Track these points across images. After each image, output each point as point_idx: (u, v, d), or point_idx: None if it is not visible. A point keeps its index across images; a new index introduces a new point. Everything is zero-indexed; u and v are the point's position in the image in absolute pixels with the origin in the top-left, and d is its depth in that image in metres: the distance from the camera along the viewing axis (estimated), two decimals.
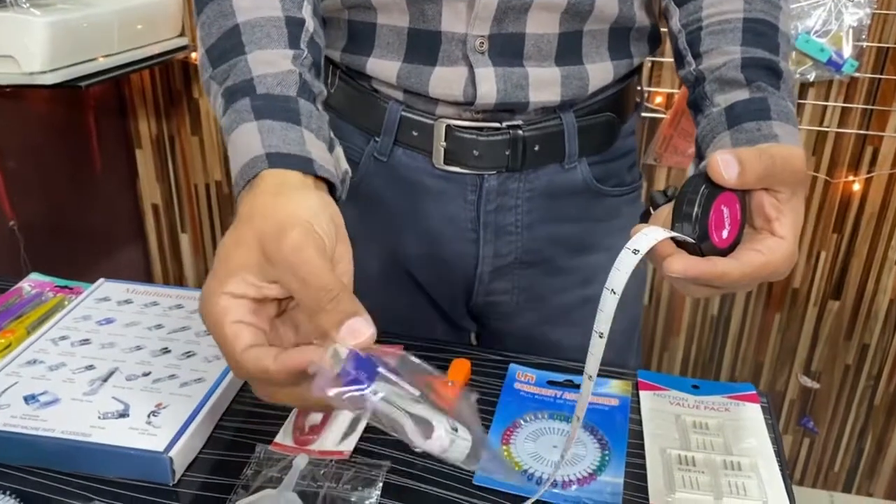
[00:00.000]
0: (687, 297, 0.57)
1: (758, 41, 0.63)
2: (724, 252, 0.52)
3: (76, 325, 0.74)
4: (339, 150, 0.58)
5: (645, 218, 0.59)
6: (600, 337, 0.50)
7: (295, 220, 0.47)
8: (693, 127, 1.54)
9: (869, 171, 1.55)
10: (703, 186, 0.50)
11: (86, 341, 0.72)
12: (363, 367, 0.44)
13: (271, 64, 0.56)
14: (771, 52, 0.63)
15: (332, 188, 0.54)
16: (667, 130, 1.47)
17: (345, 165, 0.58)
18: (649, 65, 1.52)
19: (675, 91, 1.50)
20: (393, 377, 0.44)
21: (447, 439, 0.44)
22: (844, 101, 1.49)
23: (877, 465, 1.82)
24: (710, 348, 1.79)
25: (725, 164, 0.49)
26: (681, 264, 0.49)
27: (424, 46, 0.70)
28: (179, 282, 1.99)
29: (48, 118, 1.57)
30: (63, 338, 0.72)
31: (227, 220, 1.91)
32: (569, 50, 0.71)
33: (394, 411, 0.43)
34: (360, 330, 0.44)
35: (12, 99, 1.41)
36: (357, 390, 0.43)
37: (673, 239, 0.51)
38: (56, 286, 0.84)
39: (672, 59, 1.50)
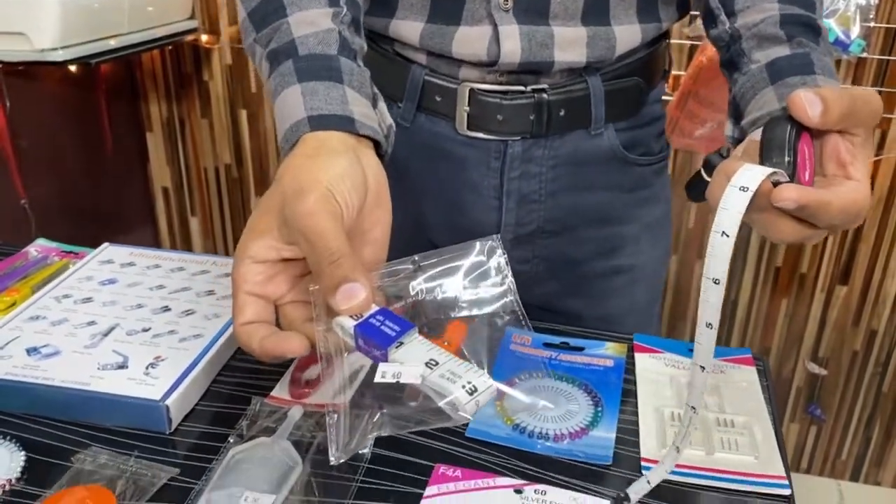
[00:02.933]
0: (775, 242, 0.56)
1: None
2: None
3: (79, 285, 0.75)
4: (382, 104, 0.60)
5: (700, 186, 0.57)
6: (715, 283, 0.47)
7: (315, 185, 0.49)
8: (700, 109, 1.53)
9: (877, 155, 1.54)
10: (789, 126, 0.50)
11: (88, 300, 0.73)
12: (371, 341, 0.47)
13: (312, 24, 0.58)
14: (807, 9, 0.63)
15: (377, 144, 0.56)
16: (673, 112, 1.47)
17: (389, 120, 0.59)
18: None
19: (682, 73, 1.49)
20: (398, 363, 0.47)
21: (473, 405, 0.45)
22: (853, 83, 1.49)
23: (885, 454, 1.81)
24: (717, 333, 1.78)
25: (810, 102, 0.48)
26: (794, 192, 0.47)
27: (448, 5, 0.70)
28: None
29: (61, 99, 1.58)
30: (66, 296, 0.73)
31: (236, 204, 1.93)
32: (596, 9, 0.70)
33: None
34: (353, 293, 0.46)
35: (26, 79, 1.43)
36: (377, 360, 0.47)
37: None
38: (61, 251, 0.86)
39: (678, 41, 1.48)
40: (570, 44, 0.70)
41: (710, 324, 0.48)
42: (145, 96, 1.84)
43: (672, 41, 1.50)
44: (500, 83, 0.72)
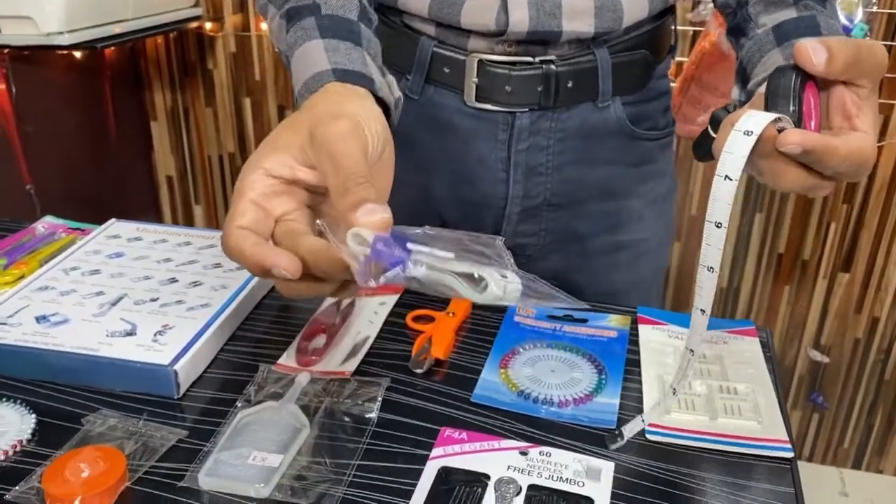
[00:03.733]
0: (781, 190, 0.55)
1: None
2: None
3: (86, 258, 0.76)
4: (391, 77, 0.61)
5: (707, 143, 0.57)
6: (717, 227, 0.47)
7: (349, 114, 0.49)
8: (702, 94, 1.53)
9: (879, 142, 1.55)
10: (794, 75, 0.50)
11: (96, 272, 0.74)
12: (392, 244, 0.44)
13: None
14: None
15: (386, 113, 0.57)
16: (676, 99, 1.47)
17: (398, 93, 0.61)
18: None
19: (684, 59, 1.50)
20: (424, 248, 0.45)
21: (501, 286, 0.45)
22: None
23: (887, 442, 1.81)
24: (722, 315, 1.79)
25: (814, 50, 0.49)
26: (798, 136, 0.48)
27: None
28: None
29: (66, 86, 1.59)
30: (74, 268, 0.74)
31: None
32: None
33: (440, 276, 0.44)
34: (376, 210, 0.45)
35: (31, 65, 1.43)
36: (399, 266, 0.44)
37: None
38: (69, 227, 0.86)
39: (681, 27, 1.48)
40: (577, 13, 0.71)
41: (711, 267, 0.49)
42: (149, 85, 1.84)
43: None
44: (509, 54, 0.73)
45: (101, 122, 1.70)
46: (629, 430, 0.56)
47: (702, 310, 0.50)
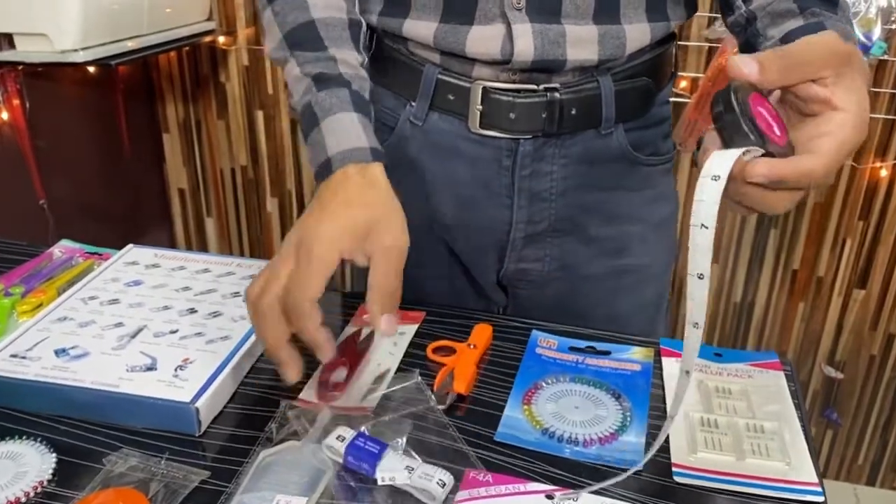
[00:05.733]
0: (768, 213, 0.55)
1: None
2: (786, 152, 0.50)
3: (105, 287, 0.76)
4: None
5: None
6: (699, 278, 0.47)
7: (398, 232, 0.61)
8: None
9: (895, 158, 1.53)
10: (732, 96, 0.49)
11: (114, 301, 0.73)
12: (362, 455, 0.55)
13: (350, 66, 0.67)
14: None
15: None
16: (691, 115, 1.46)
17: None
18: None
19: (699, 75, 1.49)
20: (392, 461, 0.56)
21: (443, 495, 0.54)
22: (873, 86, 1.48)
23: None
24: (733, 337, 1.78)
25: (743, 62, 0.49)
26: (765, 167, 0.47)
27: (461, 5, 0.71)
28: None
29: (79, 100, 1.59)
30: (92, 297, 0.74)
31: (252, 205, 1.93)
32: (606, 8, 0.71)
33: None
34: (393, 321, 0.59)
35: (45, 80, 1.43)
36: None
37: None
38: (86, 252, 0.86)
39: (696, 43, 1.48)
40: (581, 42, 0.71)
41: (696, 323, 0.48)
42: (162, 98, 1.84)
43: (690, 43, 1.51)
44: (513, 82, 0.73)
45: (114, 135, 1.70)
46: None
47: (695, 324, 0.49)
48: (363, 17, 0.77)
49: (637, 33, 0.73)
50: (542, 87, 0.73)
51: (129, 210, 1.82)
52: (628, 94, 0.76)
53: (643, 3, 0.73)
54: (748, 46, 0.67)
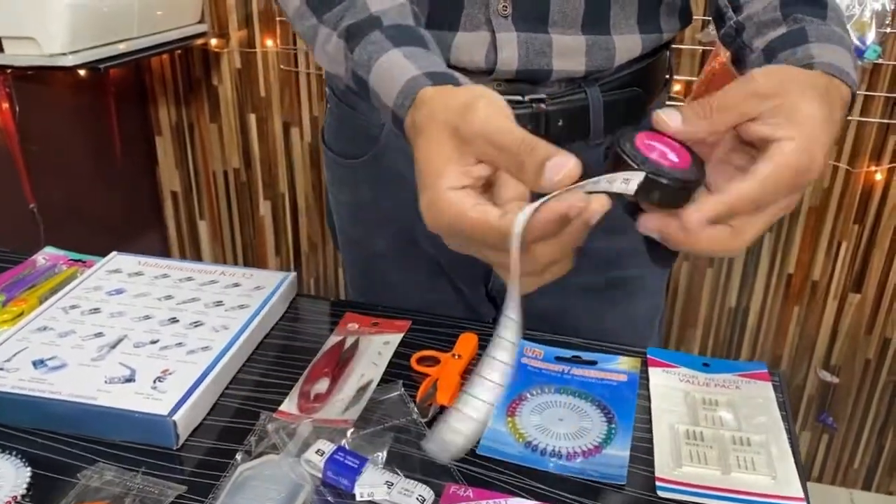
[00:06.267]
0: (732, 256, 0.52)
1: None
2: (696, 179, 0.46)
3: (87, 295, 0.75)
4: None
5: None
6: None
7: (476, 94, 0.48)
8: None
9: (892, 161, 1.52)
10: (617, 139, 0.47)
11: (96, 310, 0.72)
12: (342, 469, 0.54)
13: (383, 0, 0.58)
14: None
15: None
16: None
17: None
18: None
19: (693, 79, 1.48)
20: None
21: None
22: (867, 89, 1.47)
23: None
24: (728, 341, 1.77)
25: (666, 114, 0.47)
26: (651, 221, 0.46)
27: (446, 11, 0.69)
28: None
29: (70, 104, 1.58)
30: (73, 306, 0.73)
31: (245, 208, 1.92)
32: (595, 17, 0.69)
33: None
34: (561, 164, 0.44)
35: (35, 83, 1.42)
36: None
37: (637, 206, 0.47)
38: (70, 259, 0.85)
39: (690, 46, 1.47)
40: (568, 52, 0.70)
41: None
42: (154, 100, 1.83)
43: (684, 47, 1.50)
44: (498, 93, 0.71)
45: (106, 139, 1.69)
46: None
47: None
48: None
49: (627, 44, 0.71)
50: (527, 98, 0.71)
51: (122, 214, 1.81)
52: (618, 104, 0.74)
53: (634, 14, 0.71)
54: (737, 60, 0.65)
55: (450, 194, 0.46)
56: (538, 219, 0.44)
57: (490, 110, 0.47)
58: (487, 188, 0.48)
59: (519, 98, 0.71)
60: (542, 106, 0.72)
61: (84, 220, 1.61)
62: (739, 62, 0.65)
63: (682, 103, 1.48)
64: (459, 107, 0.47)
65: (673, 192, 0.45)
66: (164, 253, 1.98)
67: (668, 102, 0.83)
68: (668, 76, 0.81)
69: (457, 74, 0.53)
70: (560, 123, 0.73)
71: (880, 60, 1.41)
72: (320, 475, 0.55)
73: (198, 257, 2.00)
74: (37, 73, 1.34)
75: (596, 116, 0.73)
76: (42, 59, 1.23)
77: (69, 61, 1.23)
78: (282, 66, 1.73)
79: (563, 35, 0.69)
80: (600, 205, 0.44)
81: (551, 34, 0.69)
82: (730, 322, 1.75)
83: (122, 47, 1.36)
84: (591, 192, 0.44)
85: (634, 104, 0.76)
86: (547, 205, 0.44)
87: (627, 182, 0.45)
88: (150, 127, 1.85)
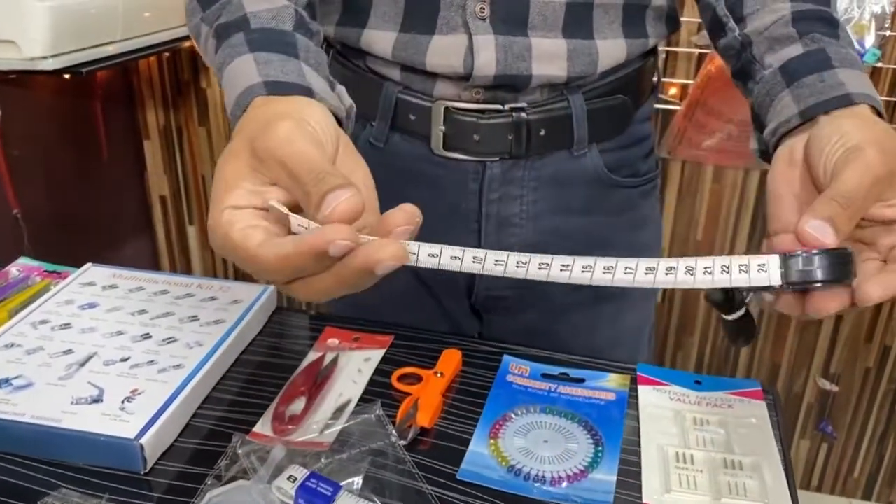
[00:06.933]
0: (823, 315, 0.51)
1: None
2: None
3: (58, 310, 0.72)
4: (341, 88, 0.55)
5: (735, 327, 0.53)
6: None
7: (286, 114, 0.44)
8: (708, 119, 1.49)
9: None
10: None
11: (66, 325, 0.70)
12: (314, 497, 0.52)
13: (265, 0, 0.54)
14: (822, 3, 0.59)
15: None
16: (681, 122, 1.43)
17: (349, 101, 0.54)
18: (664, 55, 1.48)
19: (689, 82, 1.46)
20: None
21: None
22: None
23: None
24: (726, 349, 1.75)
25: (821, 232, 0.43)
26: (832, 299, 0.44)
27: (422, 12, 0.67)
28: (187, 274, 1.99)
29: (55, 107, 1.56)
30: (43, 322, 0.70)
31: None
32: (577, 21, 0.67)
33: None
34: (335, 197, 0.39)
35: (18, 86, 1.40)
36: None
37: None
38: (44, 270, 0.82)
39: (686, 49, 1.44)
40: (548, 57, 0.67)
41: None
42: (142, 104, 1.81)
43: (680, 50, 1.47)
44: (477, 101, 0.69)
45: (92, 142, 1.67)
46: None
47: None
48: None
49: (611, 49, 0.69)
50: (507, 106, 0.69)
51: (109, 219, 1.78)
52: (602, 112, 0.72)
53: (619, 18, 0.68)
54: (743, 74, 0.62)
55: (225, 213, 0.42)
56: (297, 251, 0.39)
57: (292, 132, 0.42)
58: (300, 209, 0.43)
59: (499, 107, 0.69)
60: (523, 115, 0.69)
61: (70, 226, 1.58)
62: (745, 76, 0.62)
63: (677, 107, 1.46)
64: (263, 123, 0.43)
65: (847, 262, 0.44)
66: (153, 259, 1.95)
67: (656, 105, 0.80)
68: (655, 84, 0.79)
69: (314, 86, 0.49)
70: (542, 133, 0.70)
71: (879, 64, 1.38)
72: (291, 503, 0.53)
73: (187, 263, 1.98)
74: (19, 77, 1.31)
75: (579, 125, 0.71)
76: (23, 62, 1.20)
77: (50, 65, 1.20)
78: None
79: (543, 39, 0.66)
80: (392, 255, 0.39)
81: (531, 38, 0.66)
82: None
83: (109, 49, 1.34)
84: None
85: (620, 112, 0.74)
86: (303, 237, 0.39)
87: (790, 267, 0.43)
88: (137, 130, 1.83)
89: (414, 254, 0.42)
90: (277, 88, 0.48)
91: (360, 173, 0.47)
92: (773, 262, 0.43)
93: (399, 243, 0.40)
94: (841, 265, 0.43)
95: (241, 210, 0.42)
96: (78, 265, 0.81)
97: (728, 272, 0.43)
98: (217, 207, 0.42)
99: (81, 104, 1.62)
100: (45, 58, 1.19)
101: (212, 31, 0.55)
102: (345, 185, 0.39)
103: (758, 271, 0.43)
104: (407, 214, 0.41)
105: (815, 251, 0.43)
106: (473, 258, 0.43)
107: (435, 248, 0.43)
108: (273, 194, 0.43)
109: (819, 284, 0.44)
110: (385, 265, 0.39)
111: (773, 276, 0.43)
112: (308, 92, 0.48)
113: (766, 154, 0.57)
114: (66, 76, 1.35)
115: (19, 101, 1.41)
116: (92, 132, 1.65)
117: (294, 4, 0.55)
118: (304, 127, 0.43)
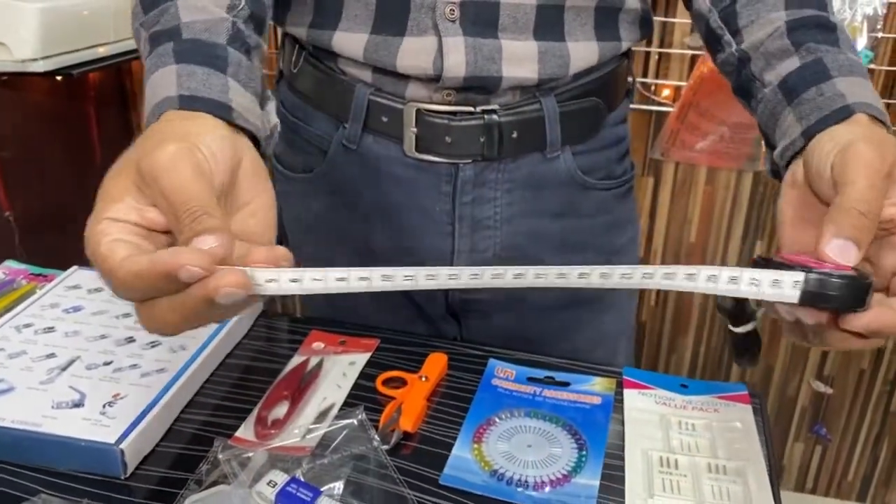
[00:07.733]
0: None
1: (802, 1, 0.59)
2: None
3: (42, 313, 0.72)
4: (271, 106, 0.54)
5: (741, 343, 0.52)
6: None
7: (178, 137, 0.42)
8: (700, 121, 1.49)
9: None
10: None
11: (50, 329, 0.70)
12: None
13: (202, 10, 0.53)
14: (818, 7, 0.58)
15: (256, 144, 0.49)
16: (674, 124, 1.43)
17: (275, 120, 0.54)
18: (657, 57, 1.48)
19: (682, 83, 1.46)
20: None
21: None
22: None
23: (892, 474, 1.76)
24: (720, 350, 1.74)
25: (841, 250, 0.43)
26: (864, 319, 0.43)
27: (393, 15, 0.66)
28: None
29: (47, 108, 1.55)
30: (27, 325, 0.70)
31: None
32: (548, 24, 0.67)
33: None
34: (201, 241, 0.38)
35: (10, 88, 1.39)
36: None
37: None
38: (31, 274, 0.82)
39: (679, 51, 1.43)
40: (519, 59, 0.67)
41: None
42: (135, 105, 1.80)
43: (673, 51, 1.47)
44: (448, 103, 0.69)
45: (86, 144, 1.66)
46: None
47: None
48: (291, 29, 0.72)
49: (583, 52, 0.68)
50: (479, 108, 0.69)
51: None
52: (575, 115, 0.71)
53: (591, 20, 0.68)
54: (744, 92, 0.61)
55: (102, 224, 0.40)
56: (150, 270, 0.38)
57: (176, 158, 0.41)
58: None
59: (471, 109, 0.69)
60: (495, 117, 0.69)
61: (62, 228, 1.58)
62: (746, 94, 0.61)
63: (670, 108, 1.45)
64: (155, 142, 0.42)
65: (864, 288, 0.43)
66: None
67: (645, 107, 0.80)
68: (629, 88, 0.78)
69: (234, 103, 0.48)
70: (514, 135, 0.70)
71: (872, 65, 1.38)
72: None
73: None
74: (11, 79, 1.31)
75: (552, 127, 0.71)
76: (14, 64, 1.20)
77: (40, 67, 1.20)
78: (264, 70, 1.70)
79: (513, 41, 0.66)
80: (233, 283, 0.38)
81: (501, 39, 0.66)
82: (721, 331, 1.72)
83: (100, 51, 1.33)
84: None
85: (593, 114, 0.73)
86: (160, 256, 0.38)
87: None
88: (131, 132, 1.82)
89: (274, 280, 0.40)
90: (190, 103, 0.47)
91: (260, 200, 0.46)
92: (789, 278, 0.42)
93: (241, 271, 0.38)
94: (857, 295, 0.42)
95: (117, 223, 0.41)
96: (69, 267, 0.81)
97: (737, 283, 0.42)
98: (95, 217, 0.41)
99: (74, 106, 1.61)
100: (35, 60, 1.19)
101: (147, 37, 0.53)
102: (214, 229, 0.39)
103: (771, 286, 0.42)
104: (271, 255, 0.41)
105: (835, 274, 0.42)
106: (359, 278, 0.43)
107: (312, 273, 0.41)
108: (152, 214, 0.42)
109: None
110: (225, 292, 0.38)
111: (788, 293, 0.42)
112: (224, 109, 0.47)
113: (778, 175, 0.57)
114: (58, 78, 1.35)
115: (11, 103, 1.41)
116: (85, 134, 1.65)
117: (233, 17, 0.54)
118: (193, 153, 0.42)
